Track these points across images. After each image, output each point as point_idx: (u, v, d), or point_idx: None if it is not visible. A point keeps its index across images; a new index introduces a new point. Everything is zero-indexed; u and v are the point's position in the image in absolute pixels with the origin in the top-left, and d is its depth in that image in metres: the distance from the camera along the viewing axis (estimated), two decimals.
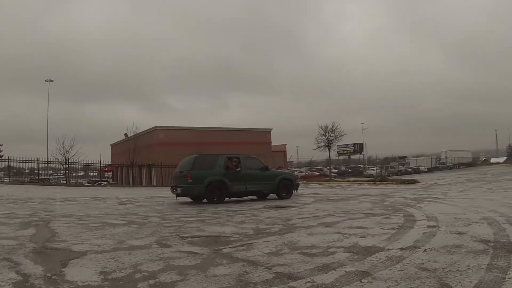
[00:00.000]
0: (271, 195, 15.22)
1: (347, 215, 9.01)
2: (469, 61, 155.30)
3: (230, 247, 5.34)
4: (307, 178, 46.23)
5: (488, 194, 13.71)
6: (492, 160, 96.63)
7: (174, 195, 13.93)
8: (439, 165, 63.45)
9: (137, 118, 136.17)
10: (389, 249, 5.01)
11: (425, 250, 4.91)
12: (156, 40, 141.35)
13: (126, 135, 40.87)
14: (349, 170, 60.42)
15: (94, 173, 47.48)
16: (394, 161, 62.29)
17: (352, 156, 66.46)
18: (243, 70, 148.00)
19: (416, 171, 54.36)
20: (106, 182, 39.35)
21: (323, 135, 36.45)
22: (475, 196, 13.03)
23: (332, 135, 36.23)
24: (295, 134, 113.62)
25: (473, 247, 5.05)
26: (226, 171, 13.70)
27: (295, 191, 15.59)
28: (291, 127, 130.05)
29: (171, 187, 14.43)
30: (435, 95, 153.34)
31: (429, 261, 4.35)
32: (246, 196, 14.62)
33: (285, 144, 53.95)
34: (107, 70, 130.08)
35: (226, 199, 13.82)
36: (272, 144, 46.24)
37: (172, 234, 6.55)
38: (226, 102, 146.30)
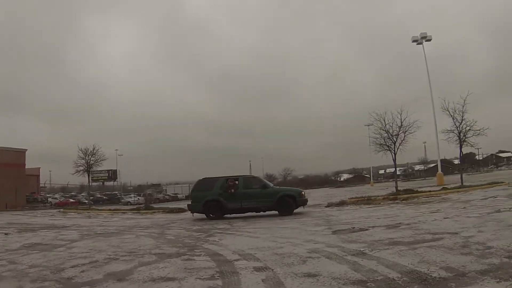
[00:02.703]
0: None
1: (135, 257, 7.40)
2: (226, 96, 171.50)
3: None
4: (62, 205, 44.84)
5: (280, 222, 13.28)
6: None
7: None
8: None
9: None
10: None
11: None
12: None
13: None
14: (105, 197, 60.53)
15: None
16: (148, 188, 65.48)
17: (106, 183, 67.64)
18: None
19: (174, 198, 57.34)
20: None
21: (83, 158, 33.63)
22: (269, 225, 12.57)
23: (92, 158, 33.82)
24: (51, 158, 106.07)
25: None
26: (222, 191, 16.55)
27: (302, 207, 17.10)
28: (47, 150, 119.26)
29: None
30: (194, 125, 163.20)
31: None
32: (243, 212, 16.66)
33: (39, 168, 54.19)
34: None
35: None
36: (26, 167, 46.14)
37: None
38: None
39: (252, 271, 5.51)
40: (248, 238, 9.62)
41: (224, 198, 16.40)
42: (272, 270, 5.43)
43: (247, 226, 12.64)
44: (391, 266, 5.21)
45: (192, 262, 6.58)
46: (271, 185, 17.36)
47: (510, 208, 10.96)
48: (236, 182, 16.84)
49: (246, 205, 16.39)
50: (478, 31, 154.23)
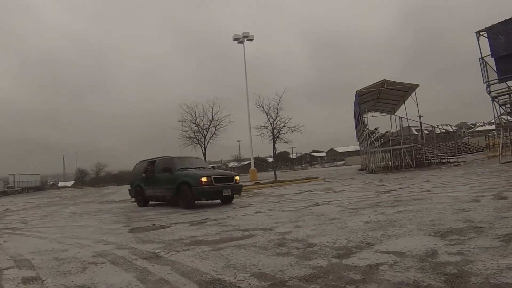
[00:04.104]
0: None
1: None
2: (39, 85, 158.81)
3: None
4: None
5: (78, 220, 12.14)
6: (60, 184, 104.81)
7: None
8: (8, 189, 67.10)
9: None
10: None
11: None
12: None
13: None
14: None
15: None
16: None
17: None
18: None
19: None
20: None
21: None
22: (63, 223, 11.29)
23: None
24: None
25: None
26: (143, 176, 15.37)
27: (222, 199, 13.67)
28: None
29: None
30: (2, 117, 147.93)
31: None
32: (158, 200, 15.37)
33: None
34: None
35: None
36: None
37: None
38: None
39: (19, 283, 4.44)
40: (35, 239, 8.32)
41: (144, 184, 15.36)
42: (42, 281, 4.43)
43: (41, 225, 11.21)
44: (188, 273, 4.31)
45: None
46: (179, 168, 13.81)
47: (329, 201, 11.14)
48: (153, 165, 15.27)
49: (157, 192, 14.68)
50: (303, 42, 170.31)
